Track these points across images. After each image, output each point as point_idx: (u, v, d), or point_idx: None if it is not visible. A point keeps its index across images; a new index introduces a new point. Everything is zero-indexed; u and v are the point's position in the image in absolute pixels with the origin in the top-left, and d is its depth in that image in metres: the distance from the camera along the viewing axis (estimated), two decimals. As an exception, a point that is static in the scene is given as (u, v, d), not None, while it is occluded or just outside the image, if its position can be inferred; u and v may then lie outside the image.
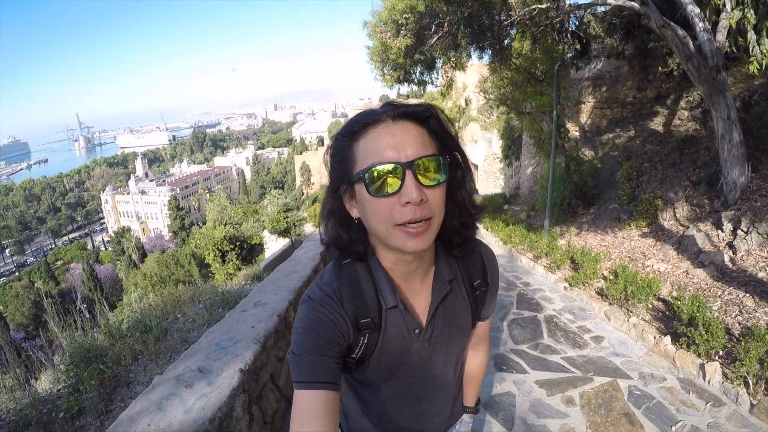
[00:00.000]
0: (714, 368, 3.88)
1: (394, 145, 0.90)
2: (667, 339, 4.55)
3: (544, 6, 9.42)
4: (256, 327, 2.89)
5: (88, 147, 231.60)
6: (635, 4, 7.40)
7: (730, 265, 5.94)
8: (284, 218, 15.01)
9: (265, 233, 15.78)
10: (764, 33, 6.01)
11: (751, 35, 5.97)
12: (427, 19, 9.66)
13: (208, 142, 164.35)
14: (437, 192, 0.93)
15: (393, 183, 0.89)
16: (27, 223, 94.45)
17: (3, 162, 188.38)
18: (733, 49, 6.86)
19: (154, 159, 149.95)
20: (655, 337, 4.70)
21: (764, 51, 5.99)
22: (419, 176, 0.89)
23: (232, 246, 15.18)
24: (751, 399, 3.51)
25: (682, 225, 7.62)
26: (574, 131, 14.45)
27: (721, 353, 4.18)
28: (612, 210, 10.00)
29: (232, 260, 15.06)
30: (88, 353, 3.08)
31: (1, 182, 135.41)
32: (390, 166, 0.88)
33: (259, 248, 15.97)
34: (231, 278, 11.42)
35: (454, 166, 0.98)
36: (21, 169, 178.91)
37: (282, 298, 3.52)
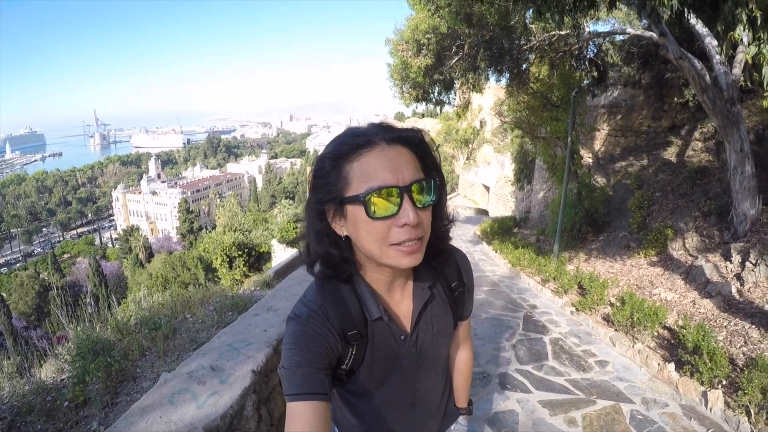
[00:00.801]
0: (716, 396, 3.89)
1: (392, 168, 0.92)
2: (671, 366, 4.56)
3: (563, 33, 9.54)
4: (269, 331, 2.91)
5: (102, 144, 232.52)
6: (654, 35, 7.48)
7: (738, 297, 5.95)
8: (293, 228, 15.04)
9: (274, 242, 15.79)
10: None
11: (766, 70, 6.02)
12: (449, 41, 9.82)
13: (222, 148, 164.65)
14: (428, 213, 0.99)
15: (391, 205, 0.92)
16: (37, 214, 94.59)
17: (18, 152, 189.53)
18: (748, 83, 6.91)
19: (167, 161, 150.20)
20: (659, 364, 4.71)
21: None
22: (415, 199, 0.94)
23: (240, 252, 15.20)
24: (752, 427, 3.53)
25: (691, 255, 7.62)
26: (587, 158, 14.47)
27: (724, 382, 4.21)
28: (622, 238, 9.99)
29: (239, 266, 15.09)
30: (95, 346, 3.12)
31: (14, 171, 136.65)
32: (389, 190, 0.91)
33: (266, 256, 15.96)
34: (238, 284, 11.45)
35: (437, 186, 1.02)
36: (35, 160, 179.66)
37: (294, 304, 3.55)
